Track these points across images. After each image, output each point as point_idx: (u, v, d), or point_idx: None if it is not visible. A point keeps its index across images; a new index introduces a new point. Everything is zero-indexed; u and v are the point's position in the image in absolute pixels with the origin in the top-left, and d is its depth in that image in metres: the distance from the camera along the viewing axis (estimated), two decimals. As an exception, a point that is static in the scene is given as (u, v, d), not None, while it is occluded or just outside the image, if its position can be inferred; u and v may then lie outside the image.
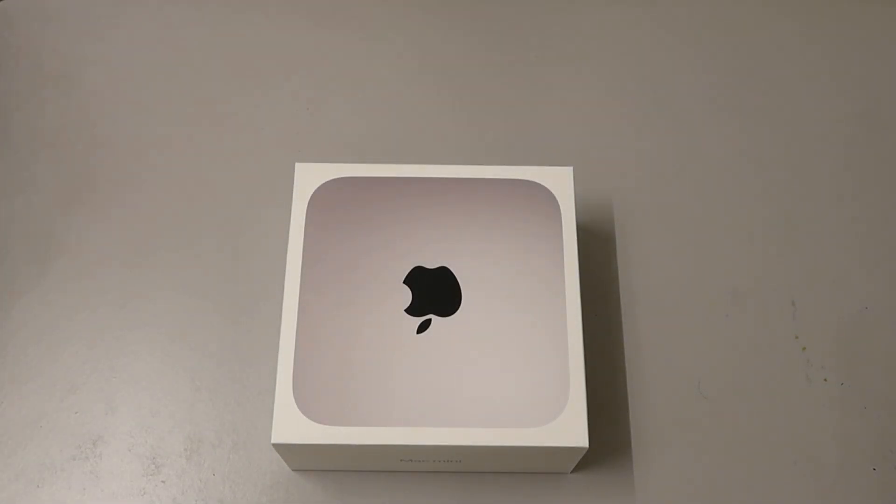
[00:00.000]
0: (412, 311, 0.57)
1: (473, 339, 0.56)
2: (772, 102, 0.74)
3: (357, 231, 0.59)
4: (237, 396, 0.63)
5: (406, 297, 0.57)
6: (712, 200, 0.70)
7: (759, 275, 0.67)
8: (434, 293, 0.57)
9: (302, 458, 0.58)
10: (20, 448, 0.61)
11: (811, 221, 0.69)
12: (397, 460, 0.58)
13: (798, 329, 0.65)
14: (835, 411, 0.63)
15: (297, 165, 0.60)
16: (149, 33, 0.76)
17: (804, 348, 0.65)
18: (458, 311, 0.57)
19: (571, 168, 0.60)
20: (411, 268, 0.58)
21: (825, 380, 0.64)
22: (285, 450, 0.56)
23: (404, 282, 0.58)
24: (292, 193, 0.59)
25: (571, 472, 0.60)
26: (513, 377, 0.55)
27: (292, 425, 0.54)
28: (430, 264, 0.58)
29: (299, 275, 0.57)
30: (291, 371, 0.55)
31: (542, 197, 0.60)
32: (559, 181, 0.60)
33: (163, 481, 0.60)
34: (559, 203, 0.59)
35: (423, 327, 0.56)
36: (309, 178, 0.60)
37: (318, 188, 0.60)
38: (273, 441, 0.54)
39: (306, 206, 0.59)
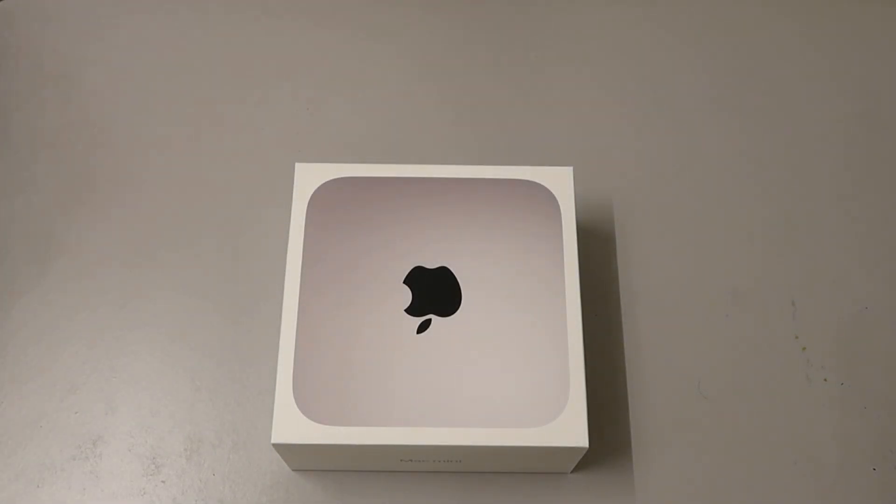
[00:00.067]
0: (412, 311, 0.57)
1: (473, 339, 0.56)
2: (772, 102, 0.74)
3: (357, 231, 0.59)
4: (237, 396, 0.63)
5: (406, 297, 0.57)
6: (712, 200, 0.70)
7: (759, 275, 0.67)
8: (434, 293, 0.57)
9: (302, 458, 0.58)
10: (20, 448, 0.61)
11: (811, 221, 0.69)
12: (397, 460, 0.58)
13: (798, 329, 0.65)
14: (835, 411, 0.63)
15: (297, 165, 0.60)
16: (149, 33, 0.76)
17: (804, 348, 0.65)
18: (458, 311, 0.57)
19: (571, 168, 0.60)
20: (411, 268, 0.58)
21: (825, 380, 0.64)
22: (285, 450, 0.56)
23: (404, 282, 0.58)
24: (292, 193, 0.59)
25: (571, 472, 0.60)
26: (513, 377, 0.55)
27: (292, 425, 0.54)
28: (430, 264, 0.58)
29: (299, 275, 0.57)
30: (291, 371, 0.55)
31: (542, 197, 0.60)
32: (559, 181, 0.60)
33: (163, 481, 0.60)
34: (559, 203, 0.59)
35: (423, 327, 0.56)
36: (309, 178, 0.60)
37: (318, 188, 0.60)
38: (273, 441, 0.54)
39: (306, 206, 0.59)
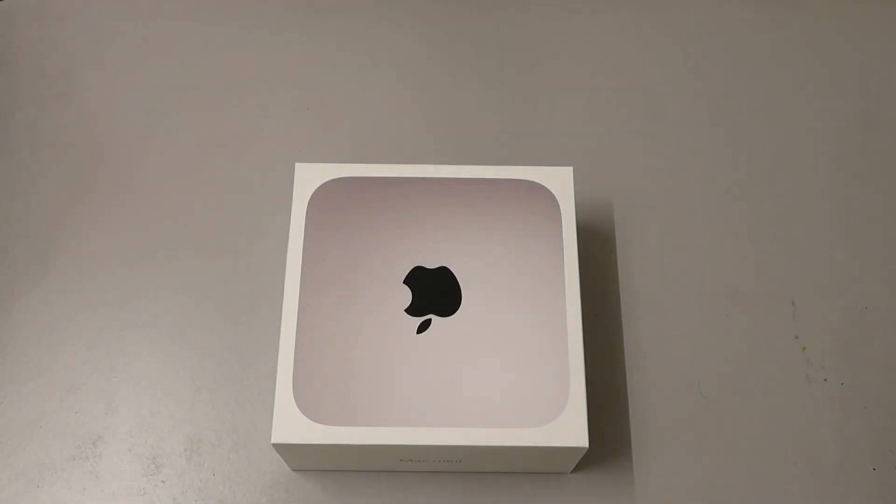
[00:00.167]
0: (412, 311, 0.57)
1: (473, 339, 0.56)
2: (771, 102, 0.74)
3: (357, 231, 0.59)
4: (237, 396, 0.63)
5: (406, 297, 0.57)
6: (712, 200, 0.70)
7: (759, 275, 0.67)
8: (434, 293, 0.57)
9: (302, 458, 0.58)
10: (20, 448, 0.61)
11: (811, 221, 0.69)
12: (397, 460, 0.58)
13: (798, 329, 0.65)
14: (835, 411, 0.63)
15: (298, 165, 0.60)
16: (149, 33, 0.76)
17: (804, 348, 0.65)
18: (458, 311, 0.57)
19: (571, 168, 0.60)
20: (411, 268, 0.58)
21: (825, 380, 0.64)
22: (285, 450, 0.56)
23: (404, 282, 0.58)
24: (292, 193, 0.59)
25: (571, 472, 0.60)
26: (513, 377, 0.55)
27: (292, 425, 0.54)
28: (430, 264, 0.58)
29: (299, 275, 0.57)
30: (291, 371, 0.55)
31: (542, 197, 0.60)
32: (559, 181, 0.60)
33: (163, 481, 0.60)
34: (559, 203, 0.59)
35: (423, 327, 0.56)
36: (309, 178, 0.60)
37: (318, 188, 0.60)
38: (273, 441, 0.54)
39: (306, 206, 0.59)
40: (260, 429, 0.61)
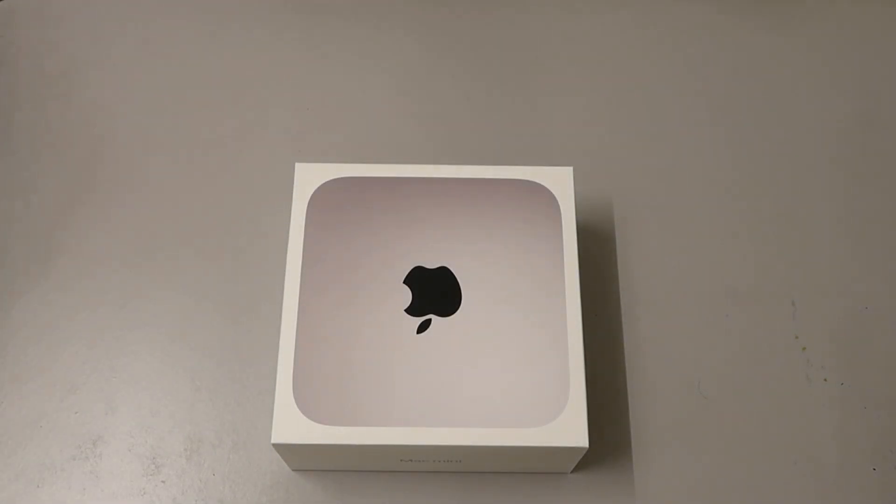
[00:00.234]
0: (412, 311, 0.57)
1: (473, 339, 0.56)
2: (771, 102, 0.74)
3: (357, 231, 0.59)
4: (237, 396, 0.63)
5: (406, 297, 0.57)
6: (712, 200, 0.70)
7: (759, 275, 0.67)
8: (434, 293, 0.57)
9: (302, 458, 0.58)
10: (20, 448, 0.61)
11: (811, 221, 0.69)
12: (397, 460, 0.58)
13: (798, 329, 0.65)
14: (835, 411, 0.63)
15: (298, 165, 0.60)
16: (149, 33, 0.76)
17: (804, 348, 0.65)
18: (458, 312, 0.57)
19: (571, 168, 0.60)
20: (411, 268, 0.58)
21: (825, 380, 0.64)
22: (285, 450, 0.56)
23: (404, 282, 0.58)
24: (292, 193, 0.59)
25: (571, 472, 0.60)
26: (513, 377, 0.55)
27: (292, 425, 0.54)
28: (430, 264, 0.58)
29: (299, 274, 0.57)
30: (291, 371, 0.55)
31: (542, 197, 0.60)
32: (559, 181, 0.60)
33: (163, 481, 0.60)
34: (559, 203, 0.59)
35: (423, 327, 0.56)
36: (309, 177, 0.60)
37: (318, 188, 0.60)
38: (273, 441, 0.54)
39: (306, 206, 0.59)
40: (260, 429, 0.61)
